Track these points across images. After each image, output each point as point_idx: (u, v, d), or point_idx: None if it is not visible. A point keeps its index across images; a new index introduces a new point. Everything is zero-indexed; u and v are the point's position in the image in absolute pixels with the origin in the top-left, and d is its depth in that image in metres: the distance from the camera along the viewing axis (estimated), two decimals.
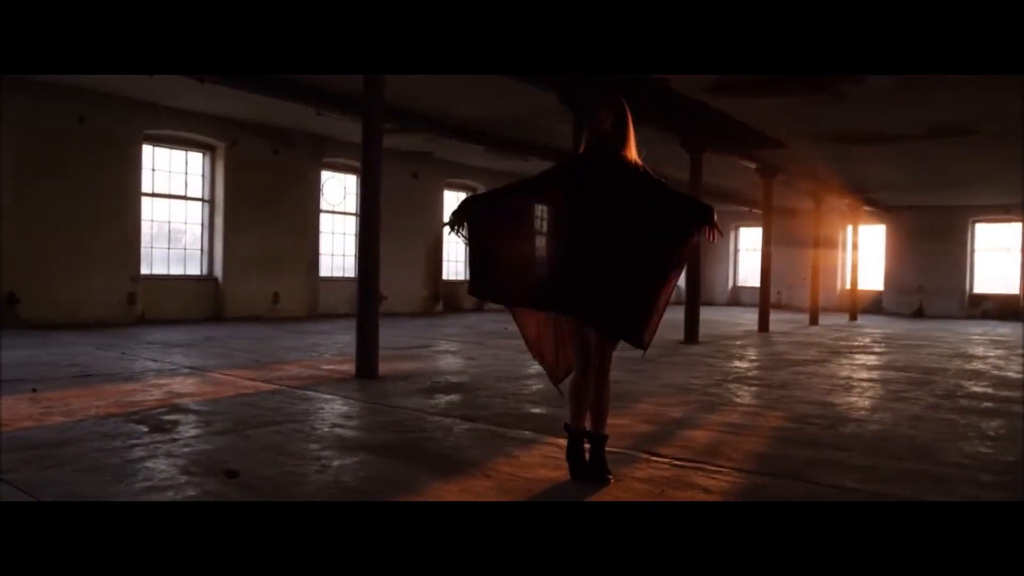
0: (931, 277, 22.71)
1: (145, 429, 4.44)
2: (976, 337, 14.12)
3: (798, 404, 5.98)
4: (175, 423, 4.64)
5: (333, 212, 14.80)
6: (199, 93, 10.32)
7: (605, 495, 3.36)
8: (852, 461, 4.09)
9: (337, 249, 14.95)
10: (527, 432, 4.64)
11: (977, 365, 9.24)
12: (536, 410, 5.39)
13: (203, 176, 12.73)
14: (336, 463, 3.81)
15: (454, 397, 5.93)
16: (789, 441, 4.60)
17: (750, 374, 7.95)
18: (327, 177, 14.52)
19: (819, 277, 18.25)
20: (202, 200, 12.74)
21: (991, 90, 8.99)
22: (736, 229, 27.25)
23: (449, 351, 9.35)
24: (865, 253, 23.39)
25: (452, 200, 17.38)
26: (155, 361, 7.46)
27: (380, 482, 3.50)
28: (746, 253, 27.24)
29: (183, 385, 6.09)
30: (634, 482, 3.56)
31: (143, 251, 11.82)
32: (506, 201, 3.73)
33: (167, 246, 12.52)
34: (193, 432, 4.43)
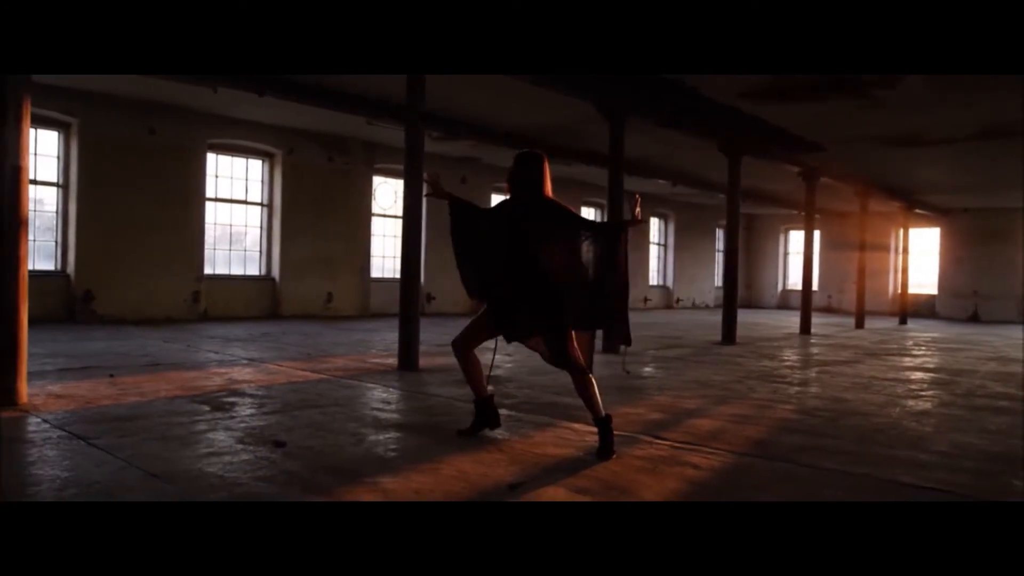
0: (986, 281, 22.31)
1: (207, 408, 5.03)
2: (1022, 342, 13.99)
3: (811, 399, 6.28)
4: (233, 404, 5.22)
5: (384, 216, 15.45)
6: (258, 105, 11.03)
7: (601, 468, 3.78)
8: (841, 448, 4.42)
9: (388, 251, 15.58)
10: (545, 417, 5.08)
11: (1012, 368, 9.31)
12: (557, 400, 5.82)
13: (262, 182, 13.50)
14: (371, 438, 4.32)
15: (489, 388, 6.38)
16: (788, 430, 4.94)
17: (775, 372, 8.22)
18: (378, 182, 15.18)
19: (865, 280, 18.19)
20: (261, 204, 13.52)
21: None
22: (785, 232, 27.15)
23: (489, 348, 9.79)
24: (919, 256, 23.13)
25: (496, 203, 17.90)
26: (216, 353, 8.12)
27: (410, 453, 3.99)
28: (795, 256, 27.09)
29: (241, 374, 6.69)
30: (632, 459, 3.98)
31: (207, 253, 12.62)
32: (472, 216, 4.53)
33: (228, 248, 13.33)
34: (248, 412, 5.00)
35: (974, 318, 22.24)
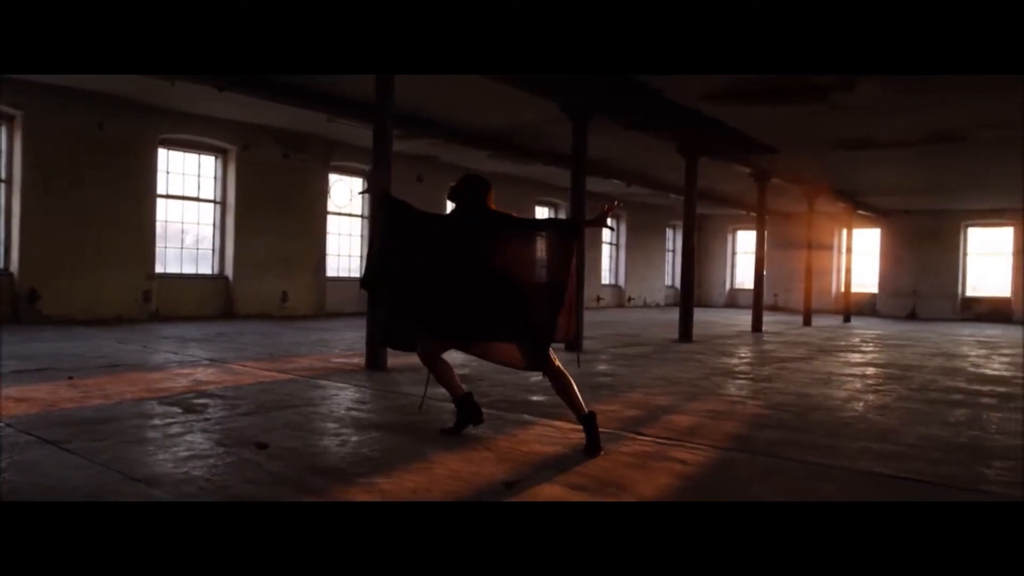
0: (925, 280, 23.15)
1: (178, 410, 4.90)
2: (964, 338, 14.55)
3: (777, 395, 6.43)
4: (204, 406, 5.09)
5: (340, 214, 15.25)
6: (213, 100, 10.78)
7: (591, 465, 3.81)
8: (815, 442, 4.54)
9: (343, 250, 15.40)
10: (525, 416, 5.09)
11: (957, 363, 9.68)
12: (533, 398, 5.84)
13: (216, 178, 13.19)
14: (355, 438, 4.27)
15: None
16: (761, 425, 5.05)
17: (736, 369, 8.39)
18: (335, 180, 14.99)
19: (812, 279, 18.68)
20: (214, 202, 13.21)
21: (983, 97, 9.42)
22: (733, 232, 27.71)
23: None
24: (861, 256, 23.85)
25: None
26: (175, 354, 7.91)
27: (397, 453, 3.96)
28: (743, 256, 27.68)
29: (205, 374, 6.54)
30: (619, 456, 4.02)
31: (158, 251, 12.28)
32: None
33: (181, 246, 12.99)
34: (222, 413, 4.88)
35: (912, 316, 23.05)
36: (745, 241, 27.47)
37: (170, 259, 12.78)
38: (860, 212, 21.54)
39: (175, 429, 4.37)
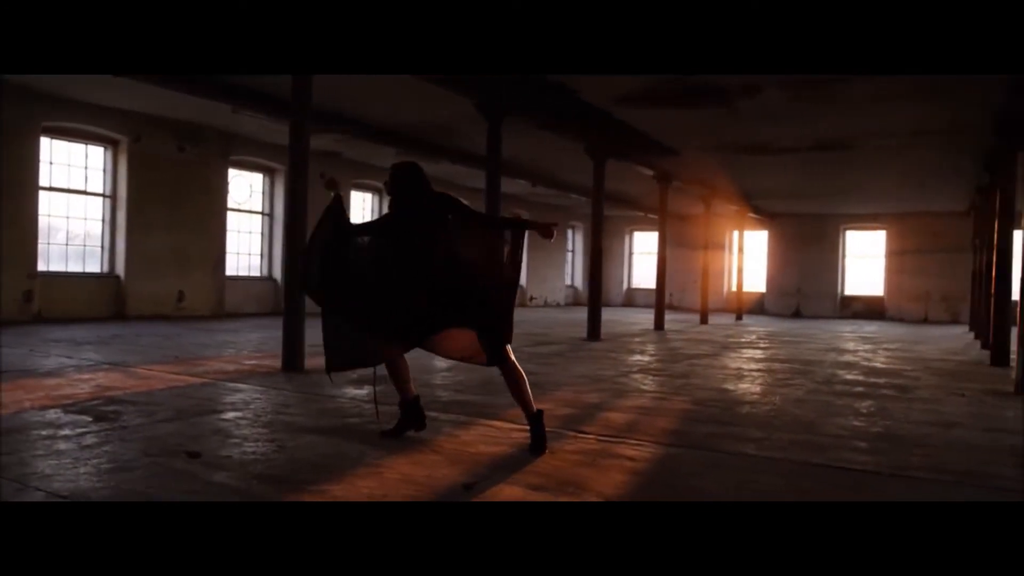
0: (808, 280, 24.48)
1: (88, 419, 4.54)
2: (847, 334, 15.46)
3: (698, 391, 6.60)
4: (117, 413, 4.75)
5: (239, 211, 14.64)
6: (101, 86, 10.12)
7: (541, 464, 3.78)
8: (748, 435, 4.69)
9: (243, 248, 14.80)
10: (460, 416, 5.01)
11: (849, 358, 10.25)
12: (462, 397, 5.76)
13: (104, 171, 12.38)
14: (291, 443, 4.07)
15: (383, 387, 6.20)
16: (693, 420, 5.17)
17: (652, 366, 8.59)
18: (234, 175, 14.37)
19: (708, 279, 19.40)
20: (103, 196, 12.39)
21: (869, 109, 10.02)
22: (631, 233, 28.43)
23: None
24: (749, 257, 24.96)
25: (359, 201, 17.48)
26: (69, 358, 7.36)
27: (340, 458, 3.80)
28: (639, 256, 28.45)
29: (108, 379, 6.10)
30: (566, 454, 4.01)
31: (40, 247, 11.40)
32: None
33: (66, 243, 12.12)
34: (138, 420, 4.56)
35: (797, 314, 24.32)
36: (642, 242, 28.26)
37: (54, 257, 11.90)
38: (751, 215, 22.54)
39: (90, 440, 4.04)
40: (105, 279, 12.29)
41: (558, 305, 25.62)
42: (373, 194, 17.85)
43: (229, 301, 14.03)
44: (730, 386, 6.96)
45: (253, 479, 3.37)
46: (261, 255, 15.06)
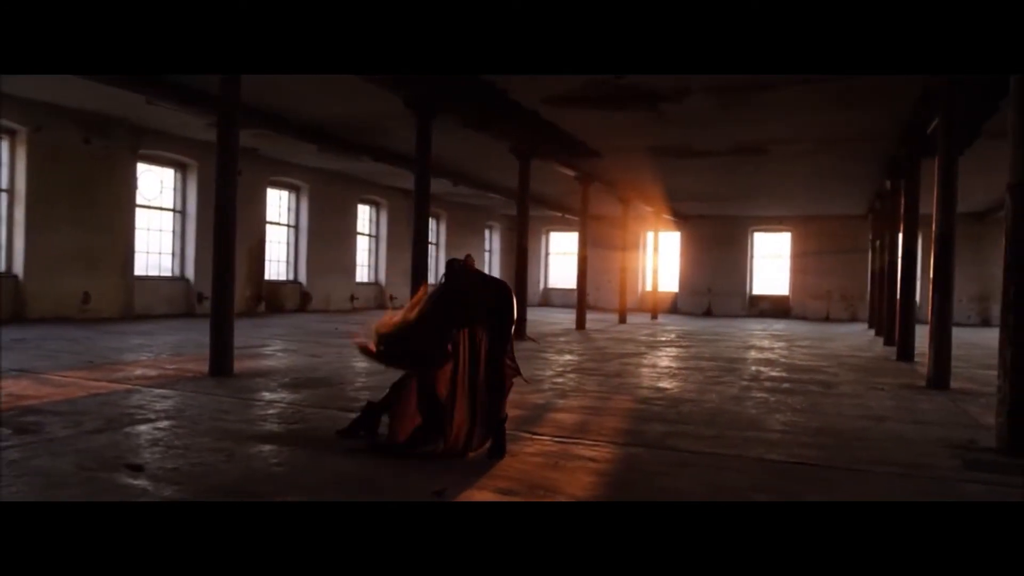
0: (718, 280, 25.28)
1: (8, 431, 4.19)
2: (759, 332, 16.03)
3: (636, 389, 6.68)
4: (39, 424, 4.41)
5: (150, 207, 13.92)
6: None
7: (505, 467, 3.73)
8: (699, 432, 4.76)
9: (153, 247, 14.08)
10: None
11: (768, 355, 10.61)
12: (369, 400, 5.63)
13: (2, 164, 11.53)
14: (240, 452, 3.88)
15: (322, 391, 6.03)
16: (641, 419, 5.21)
17: (585, 366, 8.65)
18: (143, 170, 13.65)
19: (626, 279, 19.75)
20: (0, 190, 11.56)
21: (784, 115, 10.38)
22: (547, 233, 28.65)
23: (290, 350, 9.25)
24: (663, 258, 25.58)
25: (275, 199, 16.93)
26: None
27: (295, 466, 3.63)
28: (555, 257, 28.72)
29: (19, 387, 5.67)
30: (528, 457, 3.97)
31: None
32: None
33: None
34: (66, 432, 4.24)
35: (708, 313, 25.07)
36: (558, 242, 28.53)
37: None
38: (666, 216, 23.09)
39: (15, 454, 3.73)
40: (2, 279, 11.45)
41: None
42: (290, 192, 17.35)
43: (138, 302, 13.32)
44: (665, 384, 7.08)
45: (207, 492, 3.18)
46: (173, 254, 14.36)
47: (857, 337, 15.46)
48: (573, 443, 4.33)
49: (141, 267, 13.68)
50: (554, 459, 3.92)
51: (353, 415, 4.81)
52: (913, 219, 10.38)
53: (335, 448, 4.03)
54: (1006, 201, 4.38)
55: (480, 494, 3.25)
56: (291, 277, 17.55)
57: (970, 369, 8.97)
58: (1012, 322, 4.33)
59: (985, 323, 21.43)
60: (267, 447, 4.03)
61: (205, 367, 6.85)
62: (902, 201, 10.99)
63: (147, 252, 13.93)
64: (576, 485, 3.44)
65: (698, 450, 4.24)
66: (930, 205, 9.57)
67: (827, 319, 23.40)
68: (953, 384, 7.37)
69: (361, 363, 7.96)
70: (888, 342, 13.01)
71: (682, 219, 24.72)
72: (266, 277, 16.48)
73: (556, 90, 9.63)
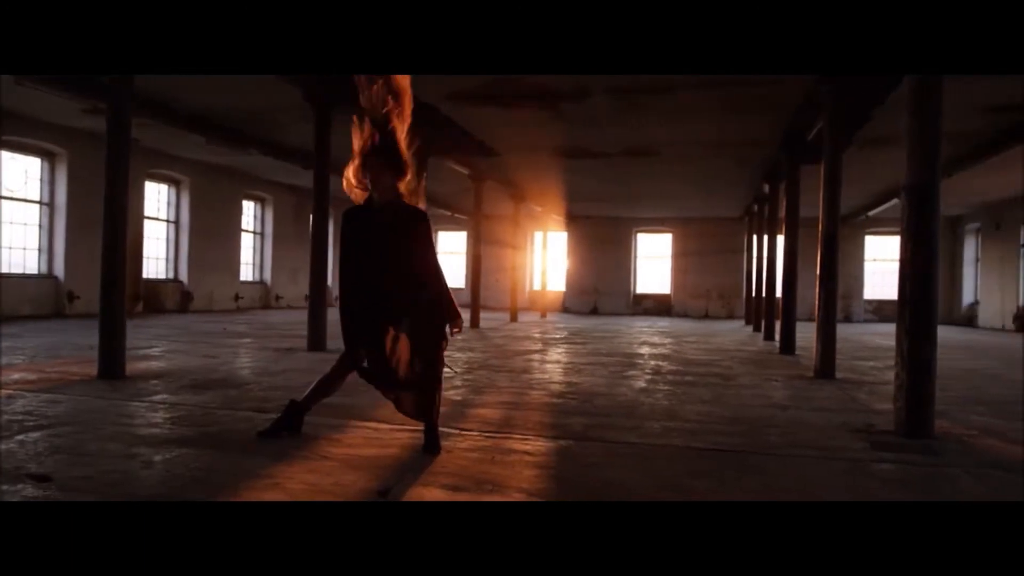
0: (604, 279, 25.96)
1: None
2: (647, 329, 16.58)
3: (548, 385, 6.75)
4: None
5: (13, 199, 12.82)
6: None
7: (444, 463, 3.67)
8: (622, 424, 4.86)
9: (17, 242, 12.97)
10: (331, 419, 4.72)
11: (662, 350, 10.98)
12: (292, 398, 5.44)
13: None
14: (157, 457, 3.62)
15: (229, 391, 5.75)
16: (562, 412, 5.26)
17: (490, 363, 8.65)
18: (7, 157, 12.55)
19: (516, 278, 19.94)
20: None
21: (681, 119, 10.77)
22: (435, 233, 28.51)
23: (180, 351, 8.76)
24: (551, 257, 26.01)
25: (154, 192, 16.01)
26: None
27: (220, 471, 3.43)
28: (444, 256, 28.61)
29: None
30: (464, 452, 3.92)
31: None
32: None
33: None
34: None
35: (595, 311, 25.71)
36: (446, 241, 28.45)
37: None
38: (555, 216, 23.49)
39: None
40: None
41: None
42: (171, 186, 16.44)
43: (2, 302, 12.25)
44: (574, 379, 7.19)
45: (131, 501, 2.95)
46: (40, 250, 13.28)
47: (737, 333, 16.25)
48: (503, 438, 4.32)
49: (3, 264, 12.59)
50: (490, 454, 3.89)
51: (267, 416, 4.64)
52: (794, 220, 11.00)
53: (258, 450, 3.84)
54: (902, 201, 4.72)
55: (428, 491, 3.18)
56: (171, 275, 16.66)
57: (847, 360, 9.60)
58: (908, 315, 4.66)
59: (847, 319, 23.04)
60: (185, 451, 3.79)
61: (91, 369, 6.40)
62: (783, 203, 11.63)
63: (11, 248, 12.84)
64: (521, 479, 3.42)
65: (625, 440, 4.33)
66: (806, 208, 10.20)
67: (706, 316, 24.50)
68: (837, 374, 7.87)
69: (260, 364, 7.66)
70: (768, 337, 13.77)
71: (570, 219, 25.21)
72: (144, 275, 15.56)
73: (458, 86, 9.59)
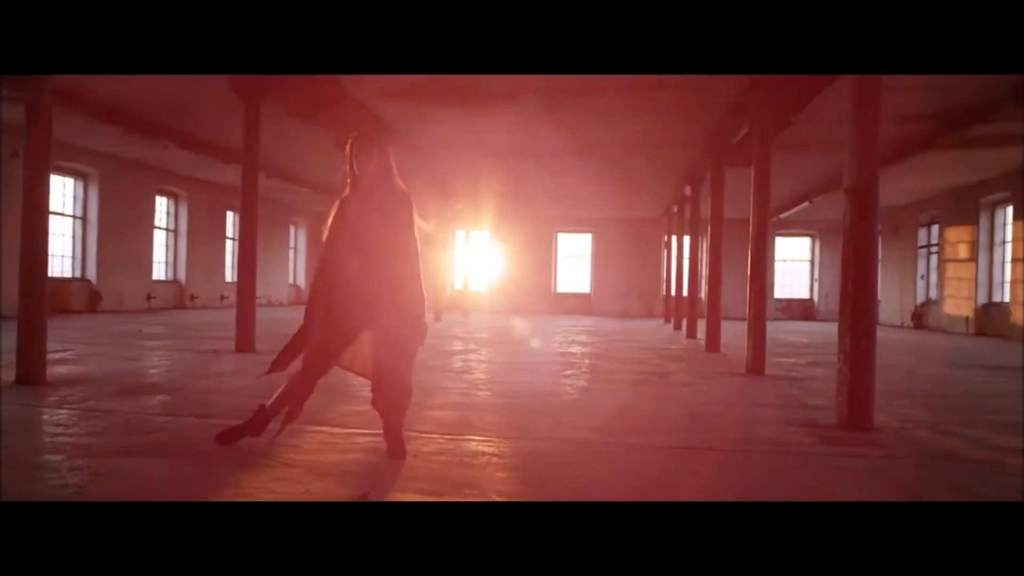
0: (525, 279, 26.10)
1: None
2: (573, 329, 16.73)
3: (493, 384, 6.71)
4: None
5: None
6: None
7: (413, 468, 3.59)
8: (581, 423, 4.87)
9: None
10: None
11: (592, 349, 11.11)
12: (261, 403, 5.25)
13: None
14: (107, 470, 3.40)
15: (164, 397, 5.47)
16: (517, 412, 5.24)
17: (430, 363, 8.50)
18: None
19: (438, 277, 19.83)
20: None
21: (611, 120, 10.91)
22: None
23: (98, 354, 8.28)
24: (474, 257, 26.00)
25: (59, 186, 15.12)
26: None
27: (185, 483, 3.25)
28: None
29: None
30: (431, 456, 3.84)
31: None
32: None
33: None
34: None
35: (517, 310, 25.80)
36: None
37: None
38: (478, 215, 23.46)
39: None
40: None
41: (281, 304, 24.46)
42: (77, 179, 15.56)
43: None
44: (516, 378, 7.19)
45: None
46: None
47: (659, 331, 16.61)
48: (465, 440, 4.26)
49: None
50: (457, 457, 3.83)
51: (213, 422, 4.45)
52: (718, 221, 11.31)
53: (216, 460, 3.66)
54: (845, 203, 4.91)
55: (406, 497, 3.09)
56: (78, 274, 15.77)
57: (771, 358, 9.92)
58: (850, 313, 4.86)
59: None
60: (137, 461, 3.57)
61: (7, 375, 5.98)
62: (706, 204, 11.94)
63: None
64: (496, 481, 3.38)
65: (588, 440, 4.34)
66: (726, 210, 10.52)
67: (626, 315, 24.96)
68: (766, 371, 8.14)
69: (188, 367, 7.34)
70: (690, 335, 14.15)
71: (494, 218, 25.24)
72: (48, 274, 14.64)
73: (390, 84, 9.46)
